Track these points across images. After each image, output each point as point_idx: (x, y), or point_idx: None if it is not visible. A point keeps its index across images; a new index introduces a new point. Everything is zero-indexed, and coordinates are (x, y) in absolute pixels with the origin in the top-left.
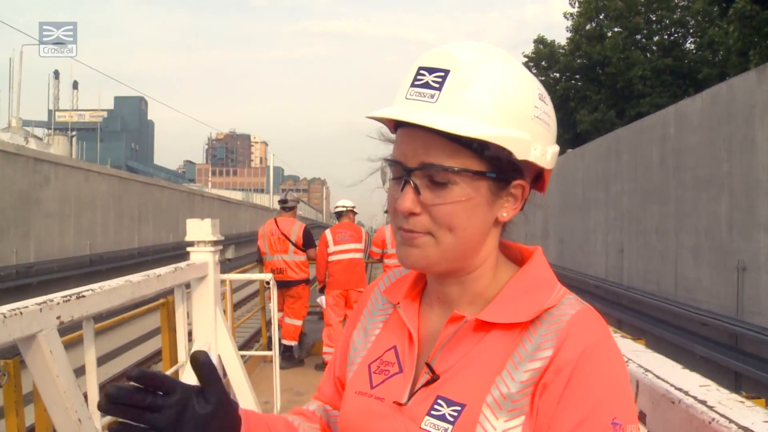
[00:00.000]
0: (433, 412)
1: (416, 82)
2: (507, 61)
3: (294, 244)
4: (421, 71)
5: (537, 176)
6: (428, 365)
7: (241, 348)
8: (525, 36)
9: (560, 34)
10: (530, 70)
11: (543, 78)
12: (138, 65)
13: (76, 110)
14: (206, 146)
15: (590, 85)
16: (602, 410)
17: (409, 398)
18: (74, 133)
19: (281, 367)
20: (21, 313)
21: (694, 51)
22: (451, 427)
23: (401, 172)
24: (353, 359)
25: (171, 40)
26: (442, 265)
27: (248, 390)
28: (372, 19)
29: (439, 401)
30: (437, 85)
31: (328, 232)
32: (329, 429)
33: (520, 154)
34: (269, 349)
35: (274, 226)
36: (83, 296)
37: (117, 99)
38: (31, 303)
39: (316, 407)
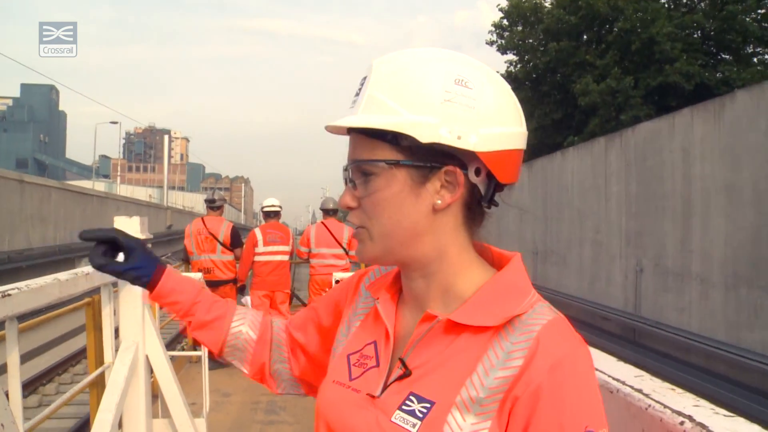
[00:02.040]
0: (404, 407)
1: (354, 94)
2: (416, 54)
3: (222, 244)
4: (360, 83)
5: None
6: (401, 360)
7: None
8: (454, 40)
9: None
10: (503, 32)
11: (522, 41)
12: (55, 57)
13: None
14: (123, 141)
15: (591, 47)
16: (575, 420)
17: (383, 391)
18: None
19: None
20: None
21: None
22: (419, 423)
23: (344, 173)
24: (335, 349)
25: (92, 32)
26: (388, 256)
27: (177, 391)
28: (302, 19)
29: (411, 397)
30: (359, 91)
31: (258, 231)
32: (268, 337)
33: (423, 138)
34: (195, 349)
35: (202, 226)
36: (9, 295)
37: (24, 86)
38: None
39: (276, 321)
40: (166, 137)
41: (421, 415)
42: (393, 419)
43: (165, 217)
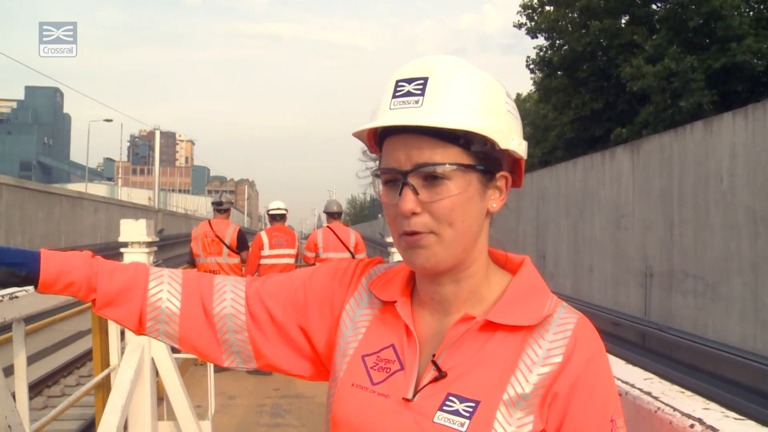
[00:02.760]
0: (445, 408)
1: (397, 94)
2: (473, 66)
3: (228, 247)
4: (400, 83)
5: (512, 171)
6: (434, 363)
7: (172, 351)
8: (460, 44)
9: (495, 45)
10: (533, 13)
11: (556, 21)
12: (61, 60)
13: None
14: (128, 144)
15: (637, 27)
16: (604, 410)
17: (415, 394)
18: None
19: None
20: None
21: None
22: (467, 421)
23: (397, 177)
24: (344, 349)
25: (99, 36)
26: (449, 261)
27: (182, 393)
28: (306, 23)
29: (450, 398)
30: (419, 92)
31: (263, 234)
32: (198, 304)
33: (502, 144)
34: None
35: (208, 228)
36: (16, 297)
37: (28, 89)
38: None
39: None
40: (157, 132)
41: (467, 414)
42: (436, 420)
43: (155, 220)
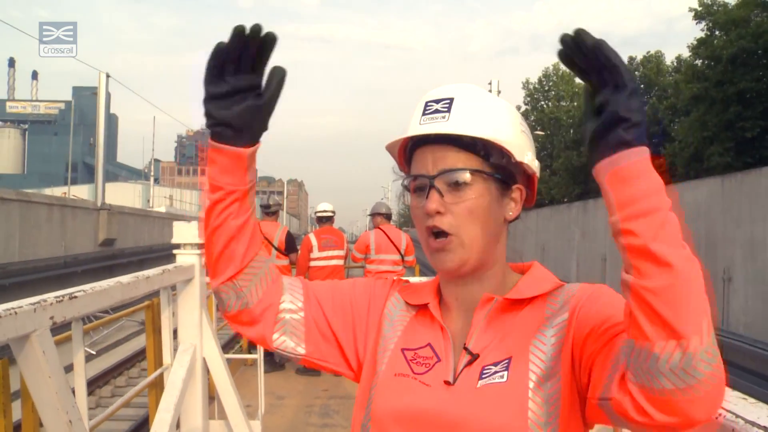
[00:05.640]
0: (483, 377)
1: (426, 112)
2: (492, 94)
3: (277, 249)
4: (429, 103)
5: (527, 187)
6: (466, 348)
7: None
8: (511, 43)
9: (547, 44)
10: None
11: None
12: (117, 63)
13: (30, 101)
14: (176, 144)
15: None
16: (611, 301)
17: (455, 380)
18: (26, 125)
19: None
20: (15, 313)
21: None
22: (506, 372)
23: (424, 182)
24: (384, 345)
25: (153, 40)
26: (472, 261)
27: (233, 393)
28: (357, 25)
29: (485, 369)
30: (445, 109)
31: (312, 236)
32: (274, 289)
33: (518, 156)
34: (249, 352)
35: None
36: (75, 297)
37: (75, 89)
38: (25, 303)
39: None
40: (102, 76)
41: (504, 368)
42: (479, 386)
43: (95, 223)
